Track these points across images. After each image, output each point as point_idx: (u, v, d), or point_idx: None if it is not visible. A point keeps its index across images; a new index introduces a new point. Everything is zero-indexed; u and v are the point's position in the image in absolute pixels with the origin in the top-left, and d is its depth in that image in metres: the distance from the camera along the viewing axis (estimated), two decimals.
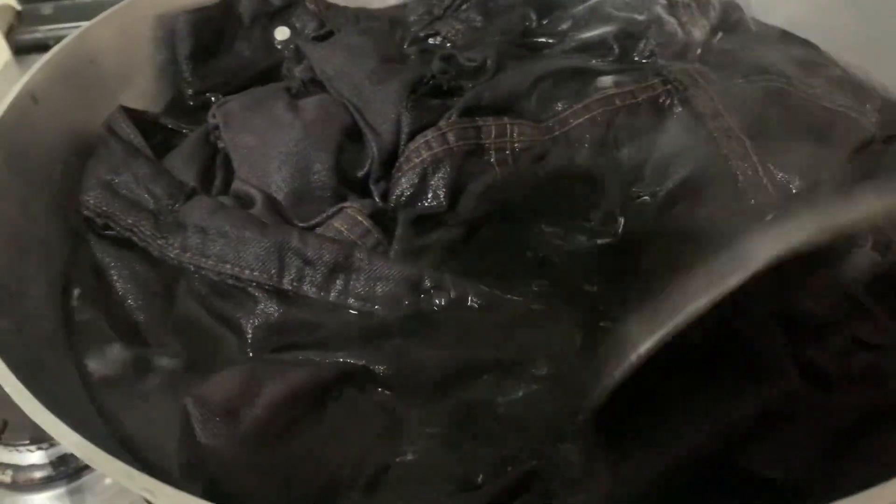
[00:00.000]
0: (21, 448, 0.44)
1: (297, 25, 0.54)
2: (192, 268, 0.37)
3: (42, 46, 0.73)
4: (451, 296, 0.36)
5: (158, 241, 0.38)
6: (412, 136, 0.42)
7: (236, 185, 0.41)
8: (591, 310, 0.36)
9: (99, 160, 0.41)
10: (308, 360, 0.33)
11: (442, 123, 0.43)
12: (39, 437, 0.44)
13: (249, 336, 0.35)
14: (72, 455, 0.43)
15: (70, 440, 0.26)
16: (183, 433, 0.29)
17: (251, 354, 0.35)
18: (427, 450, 0.31)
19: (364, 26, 0.52)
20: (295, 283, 0.36)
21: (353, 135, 0.43)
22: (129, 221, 0.39)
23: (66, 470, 0.44)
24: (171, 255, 0.38)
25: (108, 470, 0.25)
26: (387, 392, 0.33)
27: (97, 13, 0.47)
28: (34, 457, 0.44)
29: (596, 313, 0.36)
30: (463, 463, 0.31)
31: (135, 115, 0.45)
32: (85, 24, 0.47)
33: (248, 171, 0.41)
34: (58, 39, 0.45)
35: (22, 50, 0.77)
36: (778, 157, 0.41)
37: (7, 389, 0.28)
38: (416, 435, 0.32)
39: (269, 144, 0.42)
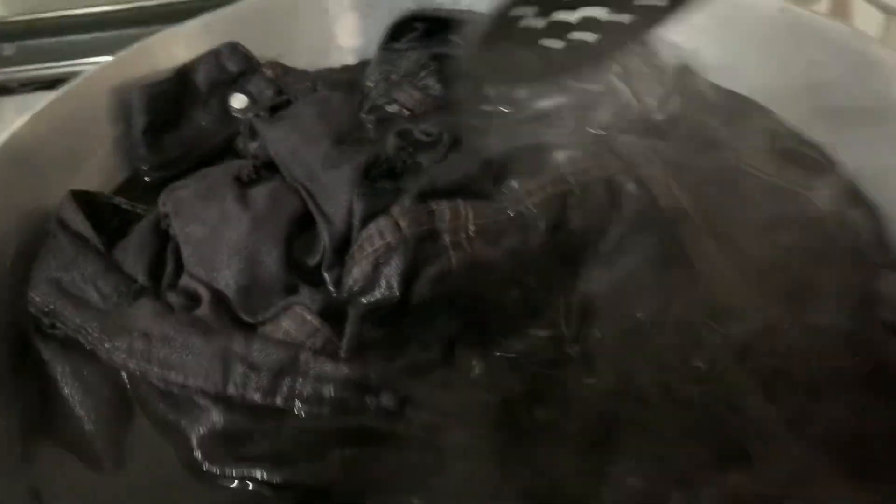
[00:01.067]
0: None
1: (254, 92, 0.53)
2: (138, 373, 0.37)
3: (4, 89, 0.73)
4: (401, 397, 0.36)
5: (105, 345, 0.38)
6: (365, 223, 0.42)
7: (184, 280, 0.41)
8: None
9: (47, 255, 0.41)
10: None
11: (394, 210, 0.42)
12: None
13: (195, 446, 0.35)
14: None
15: None
16: None
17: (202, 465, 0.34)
18: None
19: (320, 97, 0.52)
20: (240, 389, 0.35)
21: (304, 223, 0.43)
22: (77, 322, 0.38)
23: None
24: (118, 360, 0.37)
25: None
26: None
27: (61, 54, 0.46)
28: None
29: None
30: None
31: (87, 199, 0.44)
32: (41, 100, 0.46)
33: (196, 264, 0.41)
34: (21, 82, 0.44)
35: None
36: (731, 243, 0.42)
37: None
38: None
39: (218, 238, 0.41)
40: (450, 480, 0.34)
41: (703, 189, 0.44)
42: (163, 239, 0.43)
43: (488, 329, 0.40)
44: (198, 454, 0.35)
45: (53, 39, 0.78)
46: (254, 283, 0.40)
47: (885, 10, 0.51)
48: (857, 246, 0.43)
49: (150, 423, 0.36)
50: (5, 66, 0.76)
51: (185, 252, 0.42)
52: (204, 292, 0.39)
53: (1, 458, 0.35)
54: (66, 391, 0.37)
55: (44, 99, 0.47)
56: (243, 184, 0.45)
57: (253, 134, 0.49)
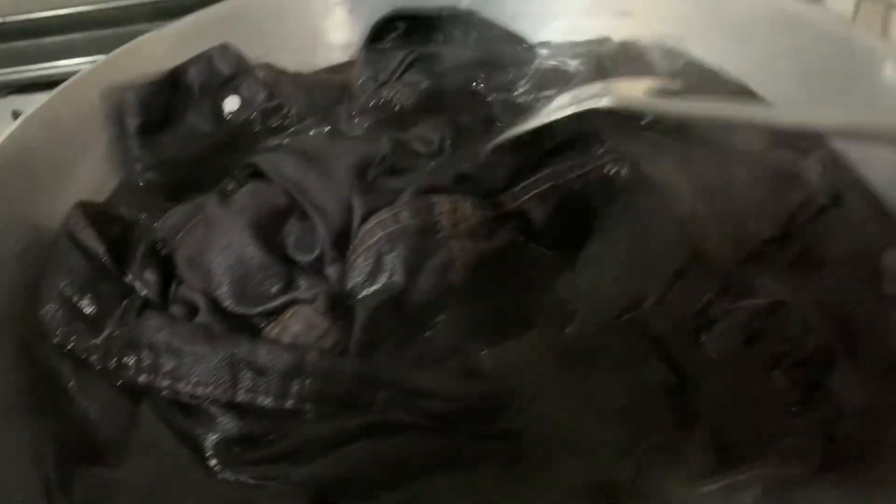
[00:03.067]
0: None
1: (247, 95, 0.53)
2: (148, 389, 0.37)
3: None
4: (407, 389, 0.36)
5: (113, 362, 0.38)
6: (365, 219, 0.43)
7: (182, 290, 0.41)
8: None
9: (57, 270, 0.41)
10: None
11: (395, 204, 0.43)
12: None
13: (210, 453, 0.35)
14: None
15: None
16: None
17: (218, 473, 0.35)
18: None
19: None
20: (250, 395, 0.36)
21: (291, 216, 0.44)
22: (86, 344, 0.39)
23: None
24: (128, 378, 0.38)
25: None
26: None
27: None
28: None
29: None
30: None
31: (92, 211, 0.45)
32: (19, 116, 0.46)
33: (192, 272, 0.42)
34: None
35: None
36: (726, 223, 0.42)
37: None
38: None
39: (206, 245, 0.42)
40: (458, 470, 0.35)
41: (695, 170, 0.45)
42: (165, 261, 0.44)
43: (493, 320, 0.41)
44: (213, 461, 0.35)
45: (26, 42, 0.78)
46: (246, 275, 0.41)
47: None
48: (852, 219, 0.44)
49: (165, 431, 0.36)
50: None
51: (181, 264, 0.43)
52: (200, 300, 0.40)
53: (16, 463, 0.35)
54: (81, 403, 0.38)
55: (29, 102, 0.47)
56: (226, 194, 0.46)
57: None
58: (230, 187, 0.47)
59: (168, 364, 0.37)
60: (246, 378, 0.36)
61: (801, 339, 0.37)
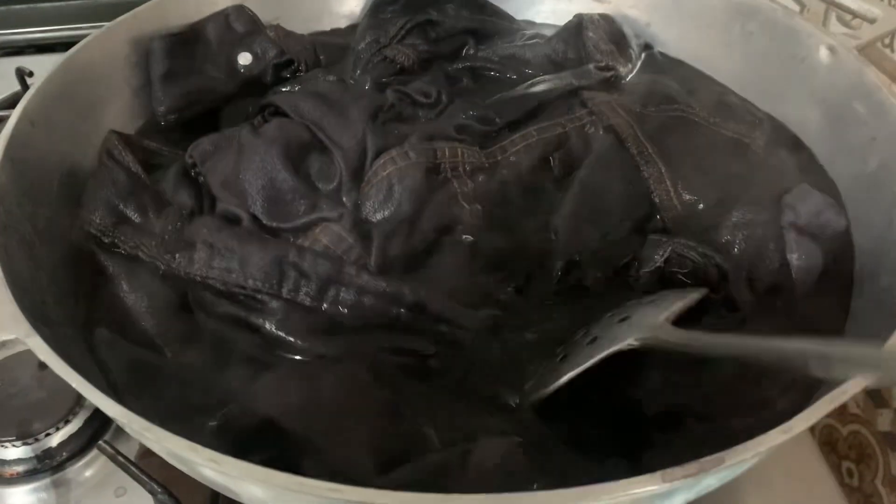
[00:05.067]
0: (6, 444, 0.46)
1: (259, 52, 0.58)
2: (198, 279, 0.42)
3: None
4: (428, 312, 0.42)
5: (165, 257, 0.43)
6: (377, 156, 0.48)
7: (220, 206, 0.46)
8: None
9: (101, 184, 0.45)
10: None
11: (404, 144, 0.49)
12: (24, 433, 0.46)
13: (271, 328, 0.40)
14: (55, 448, 0.47)
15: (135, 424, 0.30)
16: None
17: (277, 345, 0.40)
18: None
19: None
20: (292, 293, 0.41)
21: (314, 149, 0.49)
22: (137, 241, 0.43)
23: (51, 463, 0.47)
24: (178, 269, 0.42)
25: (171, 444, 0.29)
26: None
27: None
28: (19, 451, 0.46)
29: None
30: None
31: (124, 138, 0.49)
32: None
33: (227, 194, 0.46)
34: None
35: None
36: (686, 181, 0.49)
37: (70, 382, 0.32)
38: None
39: (240, 166, 0.47)
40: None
41: (661, 136, 0.52)
42: (195, 184, 0.49)
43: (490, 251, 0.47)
44: (278, 332, 0.40)
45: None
46: (277, 195, 0.46)
47: None
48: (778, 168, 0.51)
49: (212, 319, 0.41)
50: None
51: (215, 186, 0.47)
52: (242, 213, 0.45)
53: (76, 353, 0.39)
54: (132, 298, 0.42)
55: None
56: (255, 127, 0.51)
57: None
58: (256, 122, 0.51)
59: (222, 260, 0.42)
60: (291, 278, 0.41)
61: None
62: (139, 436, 0.33)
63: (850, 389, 0.30)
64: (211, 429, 0.34)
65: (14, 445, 0.46)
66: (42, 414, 0.47)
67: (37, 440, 0.47)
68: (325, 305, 0.41)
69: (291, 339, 0.40)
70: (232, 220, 0.45)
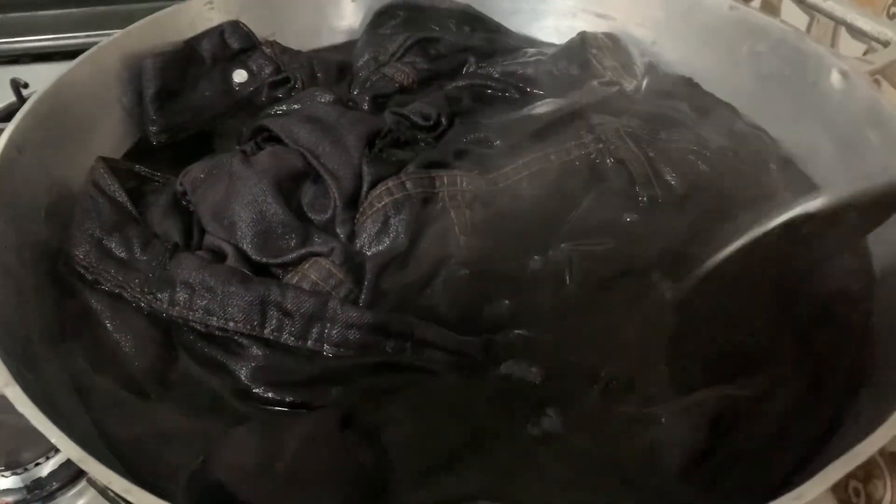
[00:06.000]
0: None
1: (255, 69, 0.57)
2: (180, 321, 0.41)
3: None
4: (416, 339, 0.41)
5: (147, 297, 0.42)
6: (373, 186, 0.47)
7: (208, 239, 0.45)
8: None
9: (86, 216, 0.44)
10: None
11: (401, 174, 0.47)
12: (13, 463, 0.46)
13: (242, 377, 0.39)
14: (46, 478, 0.46)
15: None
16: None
17: (248, 396, 0.39)
18: None
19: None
20: (275, 333, 0.40)
21: (307, 178, 0.48)
22: (120, 279, 0.42)
23: (41, 493, 0.46)
24: (160, 309, 0.41)
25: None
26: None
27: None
28: (8, 482, 0.46)
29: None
30: None
31: (112, 165, 0.48)
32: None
33: (216, 224, 0.45)
34: None
35: None
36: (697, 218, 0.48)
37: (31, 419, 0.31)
38: None
39: (230, 198, 0.45)
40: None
41: (670, 167, 0.51)
42: (186, 212, 0.47)
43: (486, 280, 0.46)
44: (248, 383, 0.39)
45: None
46: (268, 228, 0.45)
47: (810, 7, 0.59)
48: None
49: (193, 362, 0.41)
50: None
51: (204, 217, 0.46)
52: (228, 247, 0.44)
53: (60, 395, 0.38)
54: (116, 337, 0.41)
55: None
56: (247, 154, 0.50)
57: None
58: (248, 149, 0.50)
59: (202, 300, 0.40)
60: (273, 318, 0.40)
61: None
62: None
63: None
64: (182, 487, 0.33)
65: (3, 475, 0.46)
66: (31, 442, 0.46)
67: (26, 470, 0.46)
68: (309, 343, 0.40)
69: (258, 390, 0.39)
70: (218, 255, 0.44)
